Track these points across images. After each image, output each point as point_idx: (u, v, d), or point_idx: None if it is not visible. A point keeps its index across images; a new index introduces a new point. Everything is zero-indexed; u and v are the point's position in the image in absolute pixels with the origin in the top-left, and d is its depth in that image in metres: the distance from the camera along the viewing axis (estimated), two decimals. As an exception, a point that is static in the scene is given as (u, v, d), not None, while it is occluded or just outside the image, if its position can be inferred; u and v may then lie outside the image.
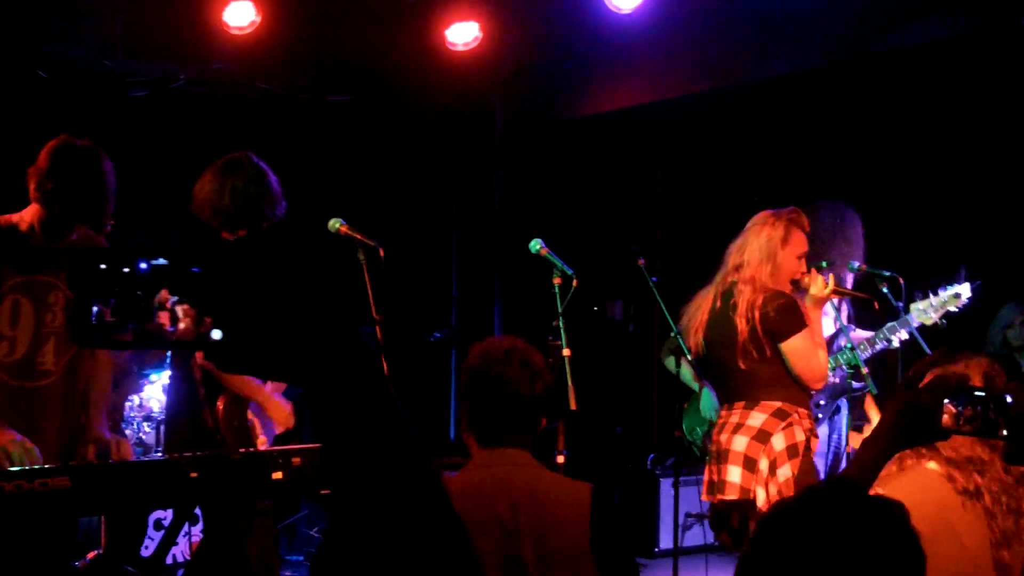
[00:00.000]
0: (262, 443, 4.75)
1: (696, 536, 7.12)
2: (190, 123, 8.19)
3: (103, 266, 1.30)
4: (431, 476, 1.39)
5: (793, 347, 4.85)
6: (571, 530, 2.92)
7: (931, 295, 5.60)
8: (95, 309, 1.30)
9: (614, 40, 7.44)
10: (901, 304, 5.57)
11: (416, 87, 8.33)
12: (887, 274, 5.62)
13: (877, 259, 6.08)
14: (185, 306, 1.31)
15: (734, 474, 4.83)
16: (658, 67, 7.77)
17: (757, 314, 4.88)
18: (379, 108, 8.61)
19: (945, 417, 2.39)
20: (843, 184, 6.94)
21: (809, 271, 5.01)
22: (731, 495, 4.84)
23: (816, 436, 4.96)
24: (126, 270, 1.30)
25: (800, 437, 4.80)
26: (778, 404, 4.85)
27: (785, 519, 1.83)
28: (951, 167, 6.88)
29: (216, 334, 1.30)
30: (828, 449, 6.03)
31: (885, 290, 5.59)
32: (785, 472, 4.72)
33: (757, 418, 4.84)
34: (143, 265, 1.30)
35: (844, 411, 6.12)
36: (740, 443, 4.84)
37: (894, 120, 7.12)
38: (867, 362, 5.59)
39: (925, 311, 5.59)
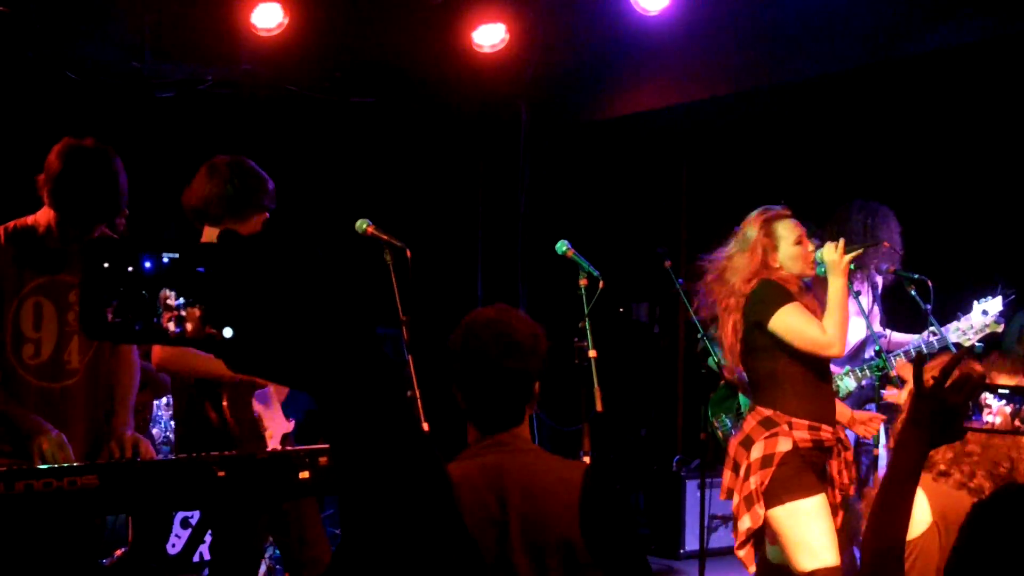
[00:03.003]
0: (270, 437, 4.69)
1: (722, 538, 7.09)
2: (217, 124, 8.22)
3: (107, 264, 1.29)
4: (442, 487, 1.38)
5: (779, 324, 4.74)
6: (560, 518, 2.77)
7: (971, 317, 5.52)
8: (107, 302, 1.29)
9: (640, 42, 7.43)
10: (930, 307, 5.53)
11: (442, 89, 8.35)
12: (916, 277, 5.58)
13: (904, 261, 6.06)
14: (190, 306, 1.29)
15: (726, 475, 4.89)
16: (684, 69, 7.75)
17: (743, 312, 4.85)
18: (406, 110, 8.62)
19: (1001, 419, 2.45)
20: (869, 187, 6.90)
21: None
22: (722, 496, 4.94)
23: (828, 443, 4.78)
24: (130, 268, 1.29)
25: (783, 447, 4.66)
26: (769, 412, 4.75)
27: (989, 519, 1.88)
28: (979, 170, 6.85)
29: (227, 332, 1.29)
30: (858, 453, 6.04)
31: (914, 292, 5.55)
32: (755, 481, 4.67)
33: (749, 423, 4.83)
34: (148, 264, 1.29)
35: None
36: (732, 446, 4.88)
37: (920, 123, 7.09)
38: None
39: (964, 332, 5.52)
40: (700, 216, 8.74)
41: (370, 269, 5.21)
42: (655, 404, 8.96)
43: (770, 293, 4.82)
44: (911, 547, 3.14)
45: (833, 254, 4.84)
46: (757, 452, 4.70)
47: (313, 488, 3.77)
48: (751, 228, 4.92)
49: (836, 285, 4.84)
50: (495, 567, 2.78)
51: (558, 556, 2.77)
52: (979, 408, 2.49)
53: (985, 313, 5.53)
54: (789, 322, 4.75)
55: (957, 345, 5.53)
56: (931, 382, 2.42)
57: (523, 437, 2.94)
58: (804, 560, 4.59)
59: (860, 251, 5.03)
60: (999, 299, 5.61)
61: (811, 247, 4.91)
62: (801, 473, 4.66)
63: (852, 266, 5.37)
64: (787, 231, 4.89)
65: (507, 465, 2.85)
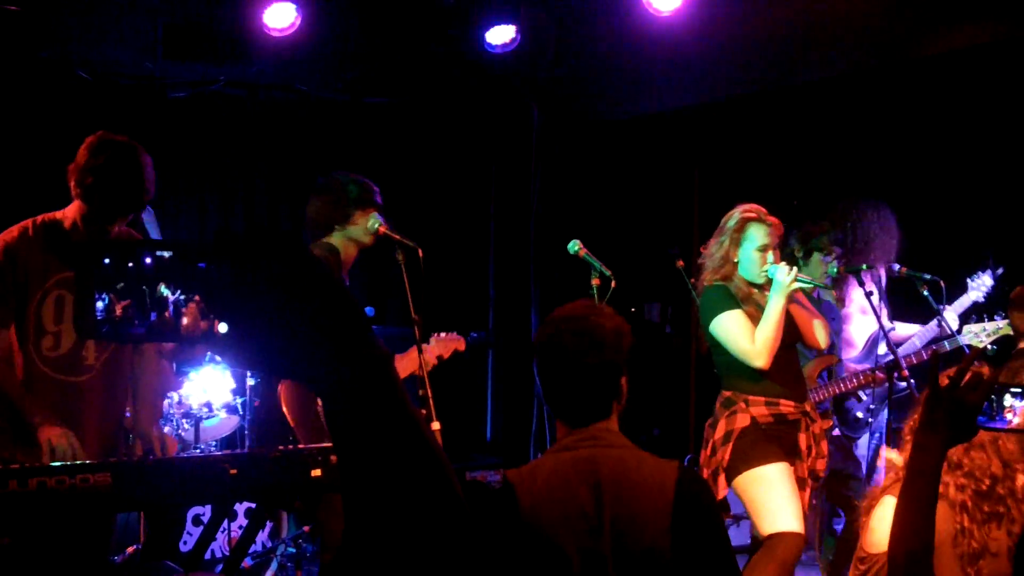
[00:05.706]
0: None
1: (734, 536, 7.07)
2: (229, 125, 8.23)
3: (107, 260, 1.29)
4: (445, 485, 1.37)
5: (716, 329, 4.99)
6: (651, 524, 2.70)
7: (985, 320, 5.60)
8: (102, 302, 1.29)
9: (652, 42, 7.41)
10: (942, 307, 5.55)
11: (454, 89, 8.35)
12: (928, 277, 5.59)
13: (912, 257, 6.07)
14: (189, 301, 1.29)
15: (702, 455, 5.07)
16: (697, 69, 7.74)
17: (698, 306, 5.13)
18: (418, 110, 8.63)
19: (1020, 420, 2.46)
20: (881, 186, 6.90)
21: (783, 261, 5.04)
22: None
23: (792, 416, 4.94)
24: (130, 264, 1.29)
25: (741, 423, 4.86)
26: (727, 393, 5.00)
27: None
28: (988, 169, 6.83)
29: (223, 328, 1.29)
30: (868, 446, 6.09)
31: (926, 293, 5.55)
32: (718, 457, 4.88)
33: (715, 405, 5.04)
34: (147, 259, 1.29)
35: (883, 410, 6.12)
36: (706, 427, 5.07)
37: (931, 123, 7.08)
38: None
39: (977, 334, 5.58)
40: (712, 216, 8.67)
41: (383, 269, 5.23)
42: (667, 404, 8.94)
43: (715, 298, 5.05)
44: (878, 559, 3.14)
45: (784, 276, 4.93)
46: (720, 430, 4.93)
47: (325, 486, 3.78)
48: (731, 220, 5.06)
49: (776, 304, 4.95)
50: (583, 561, 2.72)
51: (644, 565, 2.70)
52: (1001, 409, 2.48)
53: (977, 288, 5.66)
54: (723, 330, 4.98)
55: (970, 347, 5.55)
56: (946, 382, 2.42)
57: (614, 431, 2.92)
58: (765, 524, 4.75)
59: (809, 287, 5.26)
60: (988, 274, 5.69)
61: (771, 258, 5.00)
62: (757, 444, 4.85)
63: (864, 266, 5.43)
64: (757, 235, 5.05)
65: (601, 459, 2.82)
